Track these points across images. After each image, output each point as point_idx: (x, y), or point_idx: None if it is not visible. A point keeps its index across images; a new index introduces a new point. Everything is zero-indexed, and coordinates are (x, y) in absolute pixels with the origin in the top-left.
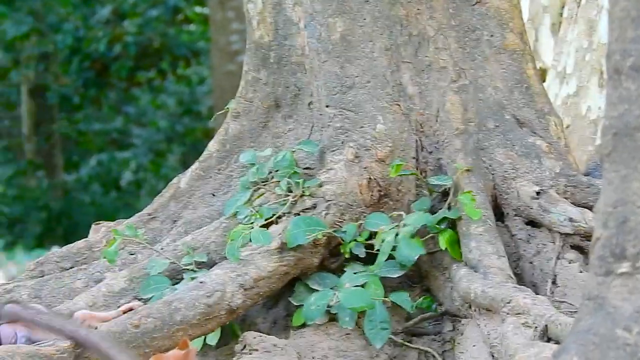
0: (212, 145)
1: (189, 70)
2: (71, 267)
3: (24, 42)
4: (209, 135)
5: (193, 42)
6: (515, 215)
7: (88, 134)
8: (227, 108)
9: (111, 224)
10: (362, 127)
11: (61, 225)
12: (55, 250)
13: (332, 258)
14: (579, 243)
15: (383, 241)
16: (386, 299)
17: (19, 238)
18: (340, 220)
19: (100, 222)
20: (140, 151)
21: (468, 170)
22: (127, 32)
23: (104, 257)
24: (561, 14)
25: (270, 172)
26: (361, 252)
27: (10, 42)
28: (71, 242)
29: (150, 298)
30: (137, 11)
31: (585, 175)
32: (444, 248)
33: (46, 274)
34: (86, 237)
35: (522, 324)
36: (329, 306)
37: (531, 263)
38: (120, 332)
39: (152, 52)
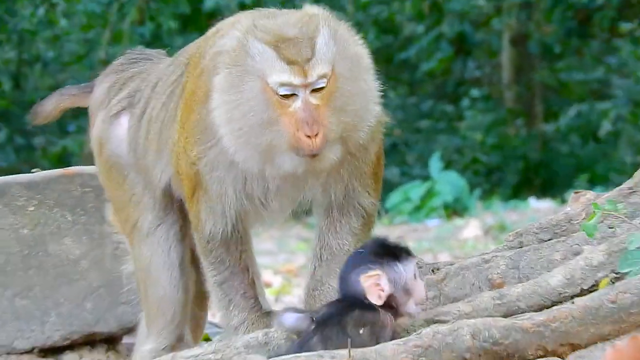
0: None
1: None
2: (550, 239)
3: None
4: None
5: None
6: None
7: (568, 84)
8: None
9: (591, 195)
10: None
11: (539, 176)
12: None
13: None
14: None
15: None
16: None
17: (496, 187)
18: None
19: (580, 191)
20: (620, 102)
21: None
22: None
23: (583, 230)
24: None
25: None
26: None
27: None
28: (548, 194)
29: (628, 273)
30: None
31: None
32: None
33: (524, 245)
34: (563, 188)
35: None
36: None
37: None
38: (597, 307)
39: (635, 3)
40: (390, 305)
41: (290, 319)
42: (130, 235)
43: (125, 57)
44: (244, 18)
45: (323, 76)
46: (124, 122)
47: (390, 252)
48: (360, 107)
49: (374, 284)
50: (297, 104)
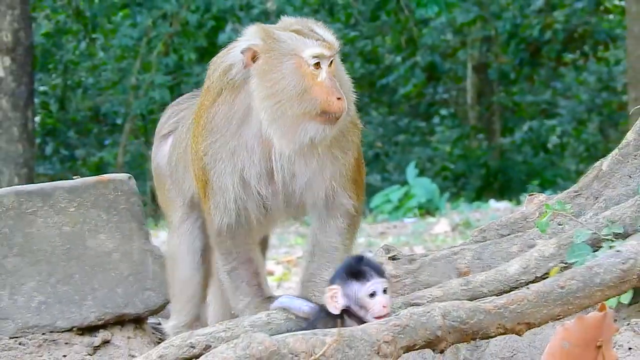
0: (630, 135)
1: (607, 53)
2: (508, 234)
3: (471, 27)
4: (623, 107)
5: (612, 29)
6: None
7: (522, 105)
8: None
9: (543, 197)
10: None
11: (497, 181)
12: (492, 203)
13: None
14: None
15: None
16: None
17: (462, 190)
18: None
19: (533, 193)
20: (565, 119)
21: None
22: (556, 21)
23: (537, 227)
24: None
25: None
26: None
27: (460, 27)
28: (505, 196)
29: (574, 263)
30: (565, 3)
31: None
32: None
33: (487, 239)
34: (518, 192)
35: None
36: None
37: None
38: (548, 292)
39: (577, 38)
40: (352, 314)
41: (294, 304)
42: (169, 229)
43: (191, 93)
44: (246, 33)
45: (337, 49)
46: (170, 141)
47: (352, 272)
48: (348, 89)
49: (332, 297)
50: (323, 75)
